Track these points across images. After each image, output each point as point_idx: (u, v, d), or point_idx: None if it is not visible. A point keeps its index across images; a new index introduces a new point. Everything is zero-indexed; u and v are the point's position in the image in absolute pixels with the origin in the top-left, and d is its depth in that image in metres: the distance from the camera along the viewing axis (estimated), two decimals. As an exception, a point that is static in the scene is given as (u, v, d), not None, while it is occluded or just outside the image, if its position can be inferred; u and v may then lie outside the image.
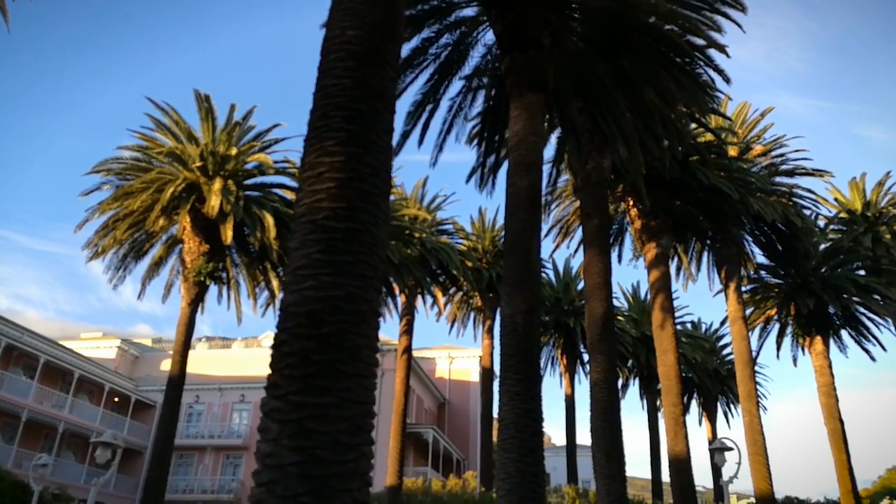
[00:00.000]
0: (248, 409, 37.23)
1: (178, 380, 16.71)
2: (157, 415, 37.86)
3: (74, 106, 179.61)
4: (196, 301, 17.59)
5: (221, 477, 35.57)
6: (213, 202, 16.23)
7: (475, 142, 15.41)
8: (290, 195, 21.04)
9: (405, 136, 12.65)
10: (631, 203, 19.55)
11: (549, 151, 18.77)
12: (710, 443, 37.56)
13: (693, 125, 18.03)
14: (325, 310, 3.51)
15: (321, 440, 3.23)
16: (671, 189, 19.37)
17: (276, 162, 19.11)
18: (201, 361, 41.92)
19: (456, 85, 12.92)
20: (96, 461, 11.08)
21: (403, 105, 12.85)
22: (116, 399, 36.75)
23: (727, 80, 11.34)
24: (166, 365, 43.43)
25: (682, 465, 16.34)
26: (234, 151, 17.44)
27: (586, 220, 14.58)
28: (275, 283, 20.34)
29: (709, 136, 19.20)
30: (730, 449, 11.05)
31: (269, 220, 17.15)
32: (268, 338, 42.89)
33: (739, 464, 11.33)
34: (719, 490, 36.99)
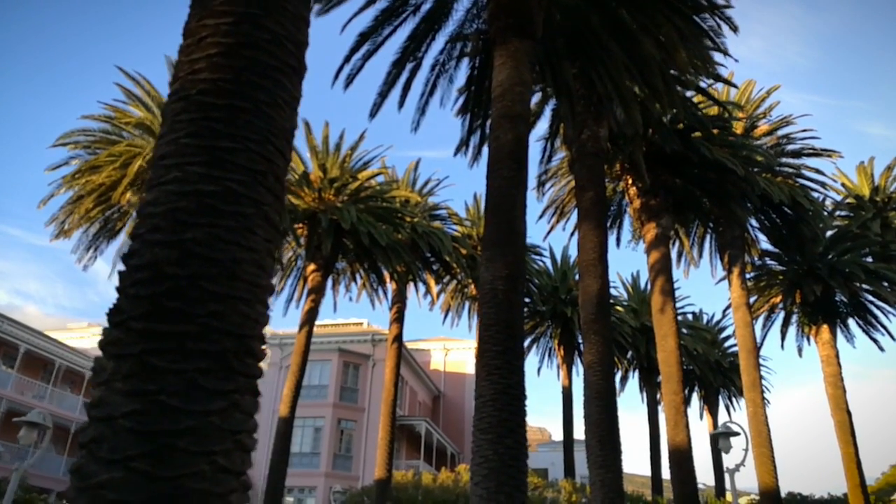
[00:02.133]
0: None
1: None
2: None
3: (75, 100, 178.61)
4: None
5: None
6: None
7: (464, 117, 14.50)
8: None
9: (383, 95, 11.65)
10: (630, 181, 18.56)
11: (542, 126, 17.87)
12: (712, 435, 36.75)
13: (695, 95, 17.06)
14: (191, 209, 2.55)
15: (171, 383, 2.27)
16: (672, 166, 18.39)
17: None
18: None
19: (439, 42, 11.92)
20: (20, 442, 10.07)
21: (383, 63, 11.85)
22: (102, 390, 35.80)
23: (734, 29, 10.35)
24: (155, 356, 42.65)
25: (682, 455, 15.37)
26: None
27: (581, 192, 13.62)
28: (255, 265, 19.46)
29: (713, 111, 18.19)
30: (735, 434, 10.06)
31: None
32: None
33: (747, 449, 10.36)
34: (721, 486, 36.12)
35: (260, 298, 2.62)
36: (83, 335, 43.41)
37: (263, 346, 2.72)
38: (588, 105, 14.02)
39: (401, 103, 12.07)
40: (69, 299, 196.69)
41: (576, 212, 15.28)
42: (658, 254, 17.57)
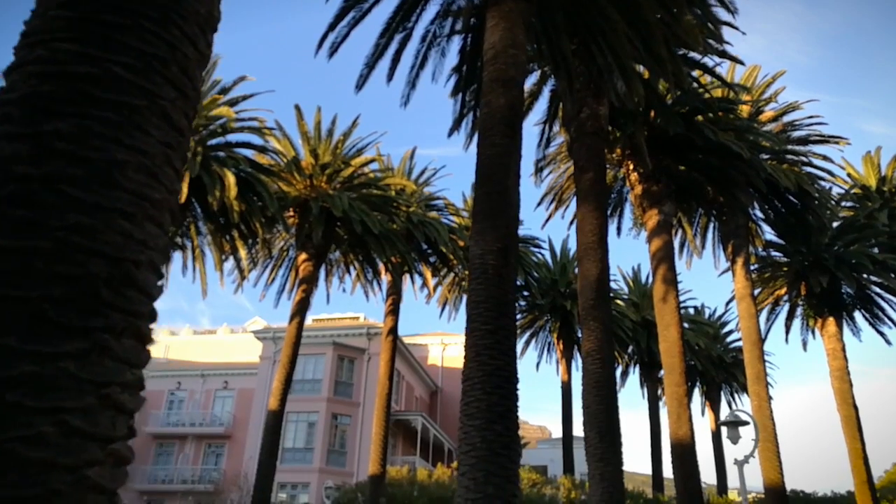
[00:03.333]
0: (231, 396, 35.71)
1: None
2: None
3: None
4: (152, 269, 16.01)
5: (203, 466, 34.08)
6: (166, 156, 14.63)
7: (456, 98, 13.88)
8: (263, 161, 19.46)
9: (370, 66, 11.03)
10: (631, 167, 17.92)
11: (540, 107, 17.21)
12: (714, 432, 36.15)
13: (700, 76, 16.40)
14: (56, 96, 1.93)
15: (6, 314, 1.66)
16: (674, 151, 17.76)
17: (242, 119, 17.51)
18: (184, 347, 40.50)
19: (430, 12, 11.28)
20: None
21: (371, 33, 11.21)
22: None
23: (742, -8, 9.67)
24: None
25: (685, 450, 14.70)
26: (191, 102, 15.81)
27: (580, 173, 13.01)
28: (242, 254, 18.75)
29: (717, 93, 17.55)
30: (744, 423, 9.42)
31: (230, 178, 15.52)
32: (255, 323, 41.40)
33: (756, 439, 9.72)
34: (723, 483, 35.53)
35: (151, 216, 2.01)
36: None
37: (160, 283, 2.11)
38: (587, 83, 13.39)
39: (389, 76, 11.45)
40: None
41: (575, 200, 14.68)
42: (660, 241, 16.94)
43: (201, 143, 16.57)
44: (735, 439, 9.14)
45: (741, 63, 13.70)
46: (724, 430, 9.40)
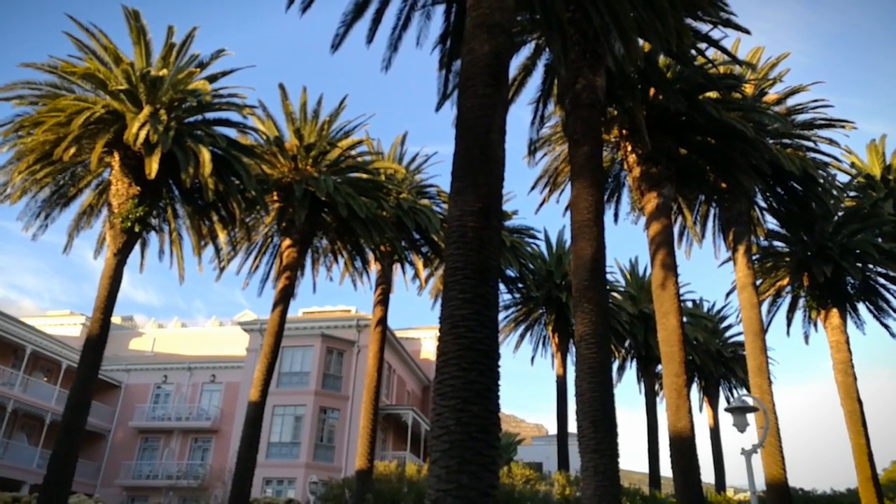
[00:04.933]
0: (218, 389, 34.86)
1: (95, 341, 14.24)
2: (121, 396, 35.69)
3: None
4: (124, 251, 15.12)
5: (189, 462, 33.22)
6: (135, 128, 13.72)
7: (441, 73, 13.06)
8: (246, 143, 18.61)
9: (348, 25, 10.19)
10: (629, 148, 17.13)
11: (534, 83, 16.38)
12: (712, 428, 35.40)
13: (703, 50, 15.57)
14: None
15: None
16: (675, 131, 16.97)
17: (221, 96, 16.65)
18: (171, 340, 39.65)
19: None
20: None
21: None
22: (77, 378, 34.30)
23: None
24: (135, 344, 41.16)
25: (685, 443, 13.93)
26: (165, 72, 14.88)
27: (575, 147, 12.18)
28: (221, 238, 17.90)
29: (719, 70, 16.74)
30: (753, 409, 8.61)
31: (206, 154, 14.65)
32: (245, 316, 40.52)
33: (766, 427, 8.92)
34: (721, 480, 34.76)
35: None
36: (63, 322, 41.89)
37: None
38: (583, 52, 12.56)
39: (369, 38, 10.62)
40: (65, 294, 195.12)
41: (570, 183, 13.84)
42: (659, 225, 16.14)
43: (176, 120, 15.68)
44: (742, 427, 8.33)
45: (747, 32, 12.87)
46: (729, 417, 8.58)
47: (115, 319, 43.50)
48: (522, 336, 32.49)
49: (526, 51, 15.00)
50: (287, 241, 19.63)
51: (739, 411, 8.36)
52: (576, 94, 12.44)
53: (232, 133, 17.90)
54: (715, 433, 35.11)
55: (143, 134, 13.94)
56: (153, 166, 13.83)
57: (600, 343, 10.47)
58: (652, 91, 16.63)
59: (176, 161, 14.84)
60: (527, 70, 15.33)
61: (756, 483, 9.77)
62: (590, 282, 11.00)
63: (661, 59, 16.39)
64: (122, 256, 15.09)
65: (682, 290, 32.10)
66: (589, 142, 12.01)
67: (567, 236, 30.28)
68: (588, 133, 12.10)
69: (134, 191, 15.23)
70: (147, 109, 14.53)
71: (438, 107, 13.55)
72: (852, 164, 26.04)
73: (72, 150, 13.67)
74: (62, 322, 40.82)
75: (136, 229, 15.14)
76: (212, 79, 16.69)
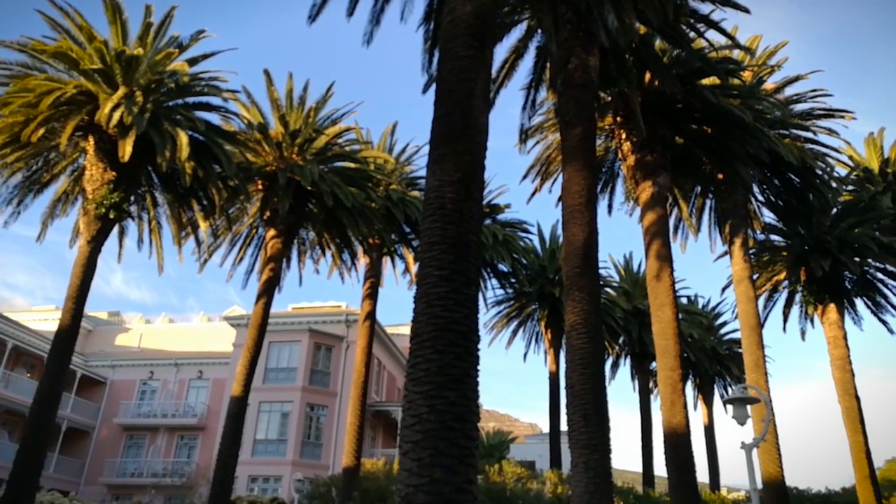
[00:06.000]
0: (205, 386, 34.20)
1: (66, 333, 13.63)
2: (106, 393, 34.98)
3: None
4: (98, 239, 14.50)
5: (175, 459, 32.56)
6: (108, 109, 13.11)
7: (426, 57, 12.52)
8: (230, 129, 18.00)
9: (326, -6, 9.58)
10: (623, 136, 16.61)
11: (525, 65, 15.83)
12: (707, 426, 34.95)
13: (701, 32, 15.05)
14: None
15: None
16: (671, 119, 16.47)
17: (202, 80, 16.03)
18: (158, 336, 38.96)
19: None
20: None
21: None
22: (61, 374, 33.54)
23: None
24: (122, 340, 40.40)
25: (679, 439, 13.41)
26: (141, 52, 14.27)
27: (567, 128, 11.68)
28: (203, 227, 17.28)
29: (717, 54, 16.22)
30: (754, 400, 8.07)
31: (183, 138, 14.03)
32: (233, 311, 39.84)
33: (768, 420, 8.41)
34: (715, 479, 34.31)
35: None
36: (48, 318, 41.08)
37: None
38: (576, 31, 12.07)
39: (350, 11, 10.04)
40: (57, 291, 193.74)
41: (562, 169, 13.25)
42: (654, 215, 15.62)
43: (154, 103, 15.04)
44: (742, 419, 7.81)
45: (746, 11, 12.35)
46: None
47: (102, 315, 43.05)
48: (515, 332, 31.99)
49: (517, 32, 14.47)
50: (271, 232, 19.04)
51: (739, 402, 7.84)
52: (568, 74, 11.93)
53: (215, 119, 17.33)
54: (709, 432, 34.69)
55: (116, 115, 13.33)
56: (126, 149, 13.22)
57: (592, 333, 9.97)
58: (648, 77, 16.13)
59: (154, 146, 14.21)
60: (517, 52, 14.80)
61: (746, 484, 9.25)
62: (581, 269, 10.50)
63: (658, 42, 15.92)
64: (96, 244, 14.47)
65: (677, 287, 31.73)
66: (581, 123, 11.51)
67: (560, 230, 29.76)
68: (580, 114, 11.59)
69: (109, 176, 14.62)
70: (122, 90, 13.91)
71: (425, 89, 13.02)
72: (850, 158, 25.62)
73: (40, 132, 13.05)
74: (47, 317, 40.00)
75: (111, 216, 14.52)
76: (192, 62, 16.08)
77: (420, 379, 5.12)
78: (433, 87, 12.72)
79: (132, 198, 15.78)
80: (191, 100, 16.05)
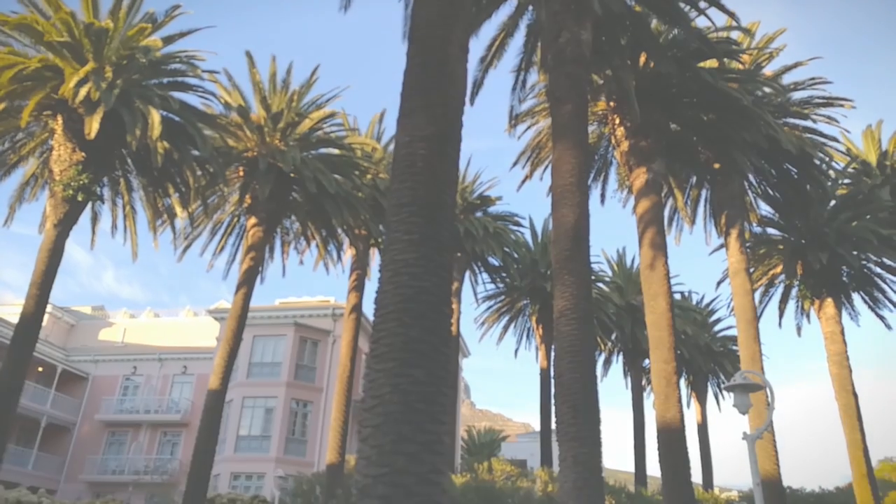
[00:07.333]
0: (190, 381, 33.44)
1: (30, 319, 12.94)
2: (88, 388, 34.16)
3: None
4: (66, 222, 13.79)
5: (157, 456, 31.79)
6: (72, 83, 12.40)
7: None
8: (211, 112, 17.31)
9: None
10: (617, 121, 16.04)
11: (516, 44, 15.21)
12: (700, 424, 34.43)
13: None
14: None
15: None
16: (666, 104, 15.90)
17: (179, 59, 15.33)
18: (142, 330, 38.15)
19: None
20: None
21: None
22: (40, 369, 32.76)
23: None
24: (105, 334, 39.51)
25: (674, 435, 12.84)
26: (110, 24, 13.57)
27: (557, 105, 11.08)
28: (178, 211, 16.57)
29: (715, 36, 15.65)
30: (757, 387, 7.47)
31: (155, 116, 13.35)
32: (219, 306, 39.04)
33: (771, 407, 7.79)
34: (709, 479, 33.81)
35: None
36: (30, 312, 40.16)
37: None
38: (567, 2, 11.47)
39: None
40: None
41: (558, 167, 12.56)
42: (648, 202, 15.05)
43: (127, 81, 14.32)
44: (743, 407, 7.20)
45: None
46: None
47: (86, 309, 42.13)
48: (506, 328, 31.44)
49: (507, 8, 13.86)
50: (252, 220, 18.35)
51: (741, 389, 7.24)
52: (559, 49, 11.33)
53: (194, 101, 16.65)
54: (703, 430, 34.18)
55: (83, 91, 12.63)
56: (93, 126, 12.52)
57: (582, 319, 9.35)
58: (643, 59, 15.57)
59: (123, 123, 13.51)
60: (507, 30, 14.19)
61: (745, 483, 8.73)
62: (571, 251, 9.88)
63: (654, 23, 15.35)
64: (63, 228, 13.75)
65: (671, 281, 31.21)
66: (573, 99, 10.91)
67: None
68: (572, 90, 10.99)
69: (78, 157, 13.90)
70: (90, 65, 13.20)
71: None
72: (848, 151, 25.12)
73: (0, 107, 12.34)
74: (28, 311, 39.10)
75: (80, 198, 13.80)
76: (168, 40, 15.37)
77: (383, 355, 4.48)
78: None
79: (104, 181, 15.08)
80: (166, 80, 15.34)
